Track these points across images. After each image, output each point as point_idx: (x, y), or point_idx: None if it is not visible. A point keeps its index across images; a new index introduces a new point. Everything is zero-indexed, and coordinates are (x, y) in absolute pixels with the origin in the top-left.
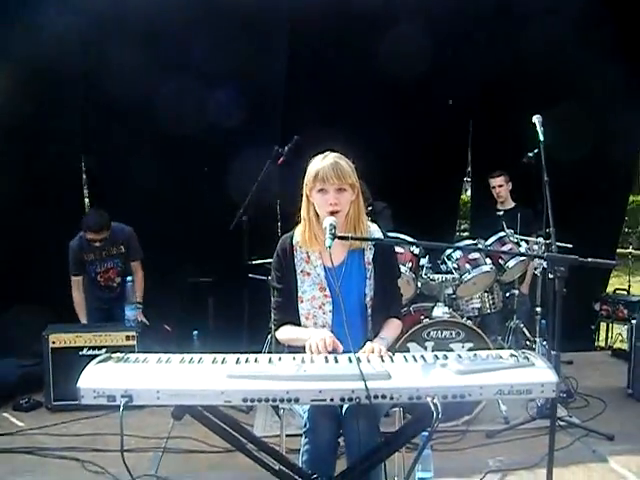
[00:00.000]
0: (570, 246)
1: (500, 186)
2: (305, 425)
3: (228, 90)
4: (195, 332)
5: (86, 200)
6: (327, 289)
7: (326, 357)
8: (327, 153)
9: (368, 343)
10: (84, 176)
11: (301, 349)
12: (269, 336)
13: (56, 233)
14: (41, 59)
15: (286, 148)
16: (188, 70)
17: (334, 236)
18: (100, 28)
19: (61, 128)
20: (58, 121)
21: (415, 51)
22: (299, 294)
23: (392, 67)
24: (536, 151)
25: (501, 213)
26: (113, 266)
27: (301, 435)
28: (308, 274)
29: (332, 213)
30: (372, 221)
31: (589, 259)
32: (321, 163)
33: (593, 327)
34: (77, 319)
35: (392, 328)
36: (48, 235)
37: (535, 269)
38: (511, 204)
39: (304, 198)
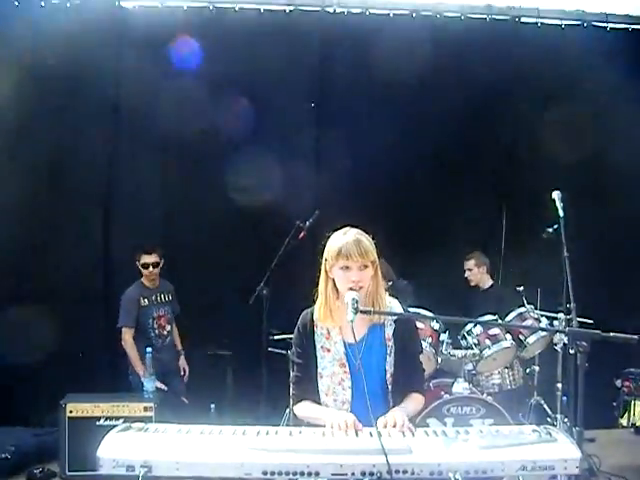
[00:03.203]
0: (590, 322)
1: (469, 270)
2: None
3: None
4: (212, 405)
5: None
6: (347, 365)
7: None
8: (347, 229)
9: (390, 412)
10: None
11: (321, 426)
12: (287, 410)
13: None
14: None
15: (307, 223)
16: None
17: (357, 310)
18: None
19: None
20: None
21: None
22: (319, 370)
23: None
24: (556, 226)
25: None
26: (164, 313)
27: None
28: (328, 350)
29: (353, 289)
30: (392, 296)
31: (611, 334)
32: (343, 239)
33: (615, 404)
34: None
35: (414, 402)
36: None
37: (555, 344)
38: (487, 284)
39: (322, 274)
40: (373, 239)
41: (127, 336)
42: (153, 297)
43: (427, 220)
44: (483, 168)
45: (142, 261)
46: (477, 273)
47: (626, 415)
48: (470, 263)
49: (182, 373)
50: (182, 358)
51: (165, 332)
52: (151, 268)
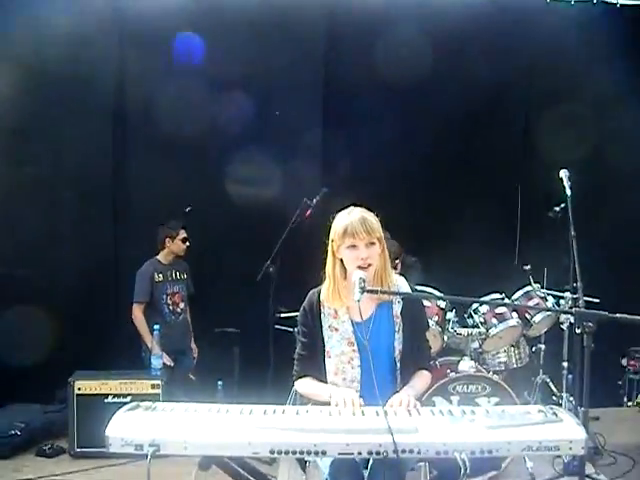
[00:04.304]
0: (597, 301)
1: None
2: None
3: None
4: (220, 382)
5: None
6: (355, 344)
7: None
8: (352, 208)
9: (396, 394)
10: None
11: (326, 404)
12: (294, 388)
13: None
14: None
15: (314, 201)
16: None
17: (363, 290)
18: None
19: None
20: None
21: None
22: (327, 349)
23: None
24: (563, 205)
25: None
26: (179, 290)
27: None
28: (336, 329)
29: (362, 267)
30: (400, 274)
31: (617, 315)
32: (348, 218)
33: (620, 382)
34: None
35: (422, 379)
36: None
37: (562, 323)
38: None
39: (329, 255)
40: (377, 217)
41: (137, 312)
42: (168, 273)
43: (437, 212)
44: (494, 157)
45: (181, 236)
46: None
47: (634, 394)
48: None
49: (193, 355)
50: (192, 339)
51: (179, 309)
52: (188, 243)
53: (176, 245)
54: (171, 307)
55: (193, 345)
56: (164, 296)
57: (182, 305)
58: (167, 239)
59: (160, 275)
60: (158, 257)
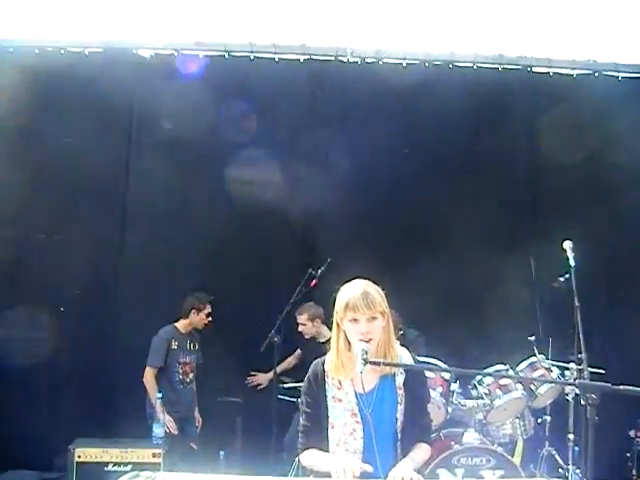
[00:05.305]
0: (602, 372)
1: (303, 325)
2: None
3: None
4: (222, 452)
5: None
6: (358, 415)
7: None
8: (356, 281)
9: (396, 468)
10: None
11: (328, 475)
12: (297, 459)
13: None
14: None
15: (319, 271)
16: None
17: (366, 361)
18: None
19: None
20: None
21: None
22: (330, 420)
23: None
24: (567, 275)
25: None
26: (190, 361)
27: None
28: (340, 400)
29: (363, 341)
30: (402, 346)
31: (621, 387)
32: (351, 292)
33: (629, 455)
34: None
35: (421, 452)
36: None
37: (567, 394)
38: (326, 336)
39: (334, 326)
40: (383, 290)
41: (149, 375)
42: (184, 342)
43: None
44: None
45: (207, 310)
46: (312, 327)
47: None
48: (303, 317)
49: (197, 424)
50: (197, 410)
51: (188, 379)
52: (210, 318)
53: (200, 319)
54: (181, 376)
55: (197, 414)
56: (177, 364)
57: (191, 375)
58: (193, 310)
59: (176, 343)
60: (177, 325)
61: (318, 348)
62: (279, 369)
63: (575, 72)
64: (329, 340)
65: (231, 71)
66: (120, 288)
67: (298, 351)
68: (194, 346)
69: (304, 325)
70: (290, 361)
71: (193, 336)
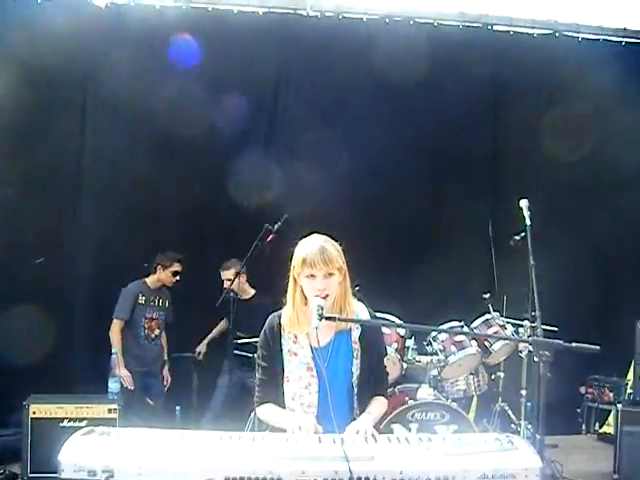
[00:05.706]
0: (555, 329)
1: (229, 280)
2: None
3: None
4: (178, 407)
5: None
6: (314, 369)
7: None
8: (313, 237)
9: (354, 423)
10: None
11: (284, 430)
12: (252, 414)
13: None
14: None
15: (276, 226)
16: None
17: (321, 317)
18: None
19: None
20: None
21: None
22: (286, 374)
23: None
24: (523, 234)
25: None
26: (158, 317)
27: None
28: (295, 354)
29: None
30: (359, 300)
31: (574, 344)
32: (308, 248)
33: (579, 410)
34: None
35: (379, 405)
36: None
37: (520, 351)
38: (249, 294)
39: (291, 280)
40: (340, 245)
41: (116, 327)
42: (152, 298)
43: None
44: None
45: (173, 268)
46: (237, 283)
47: (592, 422)
48: (229, 273)
49: (164, 382)
50: (166, 368)
51: (153, 335)
52: (178, 277)
53: (165, 275)
54: (147, 331)
55: (166, 372)
56: (142, 319)
57: (157, 331)
58: (159, 266)
59: (143, 298)
60: (147, 280)
61: (245, 308)
62: (208, 338)
63: (535, 31)
64: (252, 297)
65: (191, 25)
66: (79, 240)
67: (223, 321)
68: (162, 303)
69: (229, 280)
70: (219, 330)
71: (162, 292)
